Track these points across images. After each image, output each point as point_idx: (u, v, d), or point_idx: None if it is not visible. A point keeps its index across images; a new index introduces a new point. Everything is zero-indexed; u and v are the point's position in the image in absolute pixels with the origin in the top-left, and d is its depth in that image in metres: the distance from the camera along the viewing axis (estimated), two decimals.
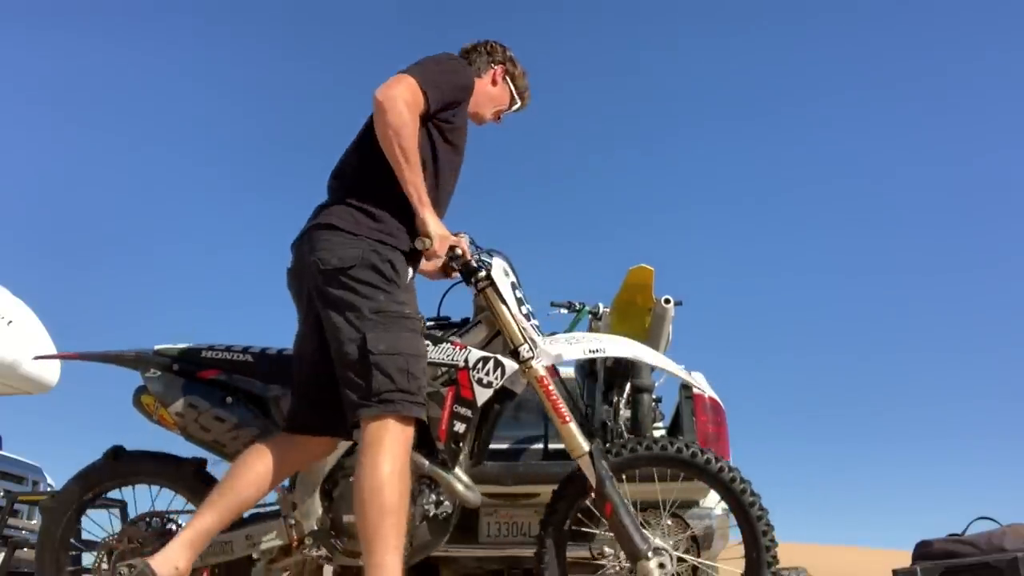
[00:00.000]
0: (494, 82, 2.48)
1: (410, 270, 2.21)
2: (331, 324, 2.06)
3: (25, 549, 4.02)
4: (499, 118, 2.55)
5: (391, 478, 1.91)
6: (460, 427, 2.21)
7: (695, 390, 3.68)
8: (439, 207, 2.27)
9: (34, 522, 5.97)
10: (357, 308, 2.03)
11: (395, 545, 1.89)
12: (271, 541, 2.30)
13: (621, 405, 3.72)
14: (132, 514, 2.53)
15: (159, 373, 2.41)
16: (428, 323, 2.41)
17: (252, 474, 2.10)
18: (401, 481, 1.93)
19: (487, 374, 2.21)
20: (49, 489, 6.12)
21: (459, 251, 2.19)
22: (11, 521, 4.90)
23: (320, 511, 2.29)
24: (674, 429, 3.96)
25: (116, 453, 2.46)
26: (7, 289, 5.96)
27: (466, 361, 2.23)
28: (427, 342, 2.23)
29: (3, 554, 3.64)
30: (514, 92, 2.52)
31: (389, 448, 1.94)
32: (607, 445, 2.41)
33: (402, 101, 2.06)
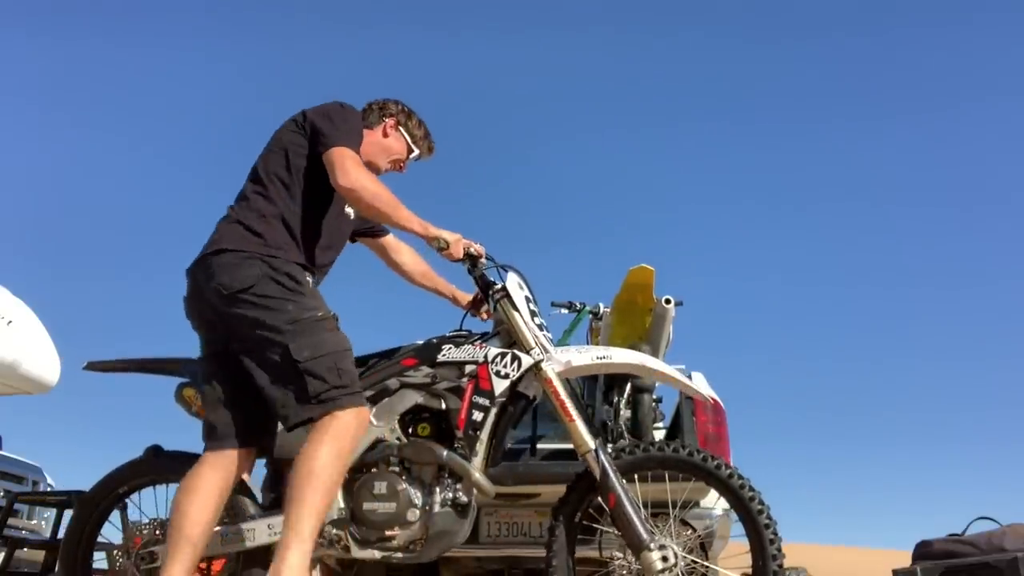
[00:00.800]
0: (385, 134, 2.65)
1: (309, 277, 2.33)
2: (248, 343, 2.20)
3: (25, 549, 4.01)
4: (401, 167, 2.71)
5: (328, 463, 2.06)
6: (478, 416, 2.36)
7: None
8: (334, 233, 2.47)
9: (34, 522, 5.96)
10: (271, 323, 2.16)
11: (319, 516, 2.05)
12: None
13: (621, 405, 3.73)
14: (132, 515, 2.58)
15: (201, 371, 2.54)
16: (451, 333, 2.54)
17: (197, 522, 2.18)
18: (337, 468, 2.09)
19: (504, 366, 2.38)
20: (49, 488, 6.12)
21: (474, 251, 2.39)
22: (11, 521, 4.89)
23: (341, 501, 2.36)
24: (674, 429, 3.96)
25: (156, 452, 2.56)
26: (7, 289, 5.95)
27: (486, 357, 2.40)
28: (450, 344, 2.43)
29: (2, 554, 3.64)
30: (410, 141, 2.67)
31: (333, 436, 2.09)
32: (618, 444, 2.52)
33: (363, 178, 2.28)
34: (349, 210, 2.59)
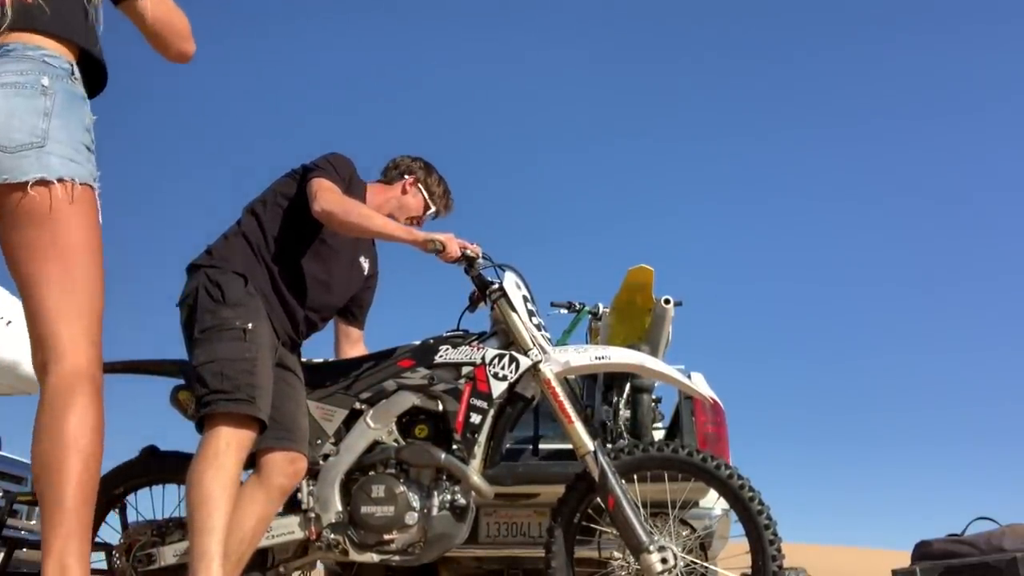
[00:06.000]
0: (404, 191, 2.70)
1: (244, 284, 2.33)
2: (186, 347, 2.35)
3: (24, 549, 4.01)
4: (418, 224, 2.72)
5: (205, 471, 2.07)
6: (476, 418, 2.35)
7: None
8: (331, 265, 2.50)
9: (33, 522, 5.96)
10: (191, 333, 2.28)
11: (210, 528, 2.03)
12: (292, 534, 2.37)
13: (621, 405, 3.73)
14: (132, 516, 2.60)
15: None
16: (447, 333, 2.54)
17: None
18: (216, 473, 2.07)
19: (502, 368, 2.37)
20: None
21: (470, 252, 2.37)
22: (10, 521, 4.88)
23: (339, 504, 2.36)
24: (673, 429, 3.96)
25: (152, 452, 2.57)
26: (7, 289, 5.95)
27: (483, 358, 2.39)
28: (447, 345, 2.42)
29: (1, 554, 3.64)
30: (427, 197, 2.72)
31: (208, 444, 2.12)
32: (617, 445, 2.52)
33: (335, 200, 2.34)
34: (363, 262, 2.64)
